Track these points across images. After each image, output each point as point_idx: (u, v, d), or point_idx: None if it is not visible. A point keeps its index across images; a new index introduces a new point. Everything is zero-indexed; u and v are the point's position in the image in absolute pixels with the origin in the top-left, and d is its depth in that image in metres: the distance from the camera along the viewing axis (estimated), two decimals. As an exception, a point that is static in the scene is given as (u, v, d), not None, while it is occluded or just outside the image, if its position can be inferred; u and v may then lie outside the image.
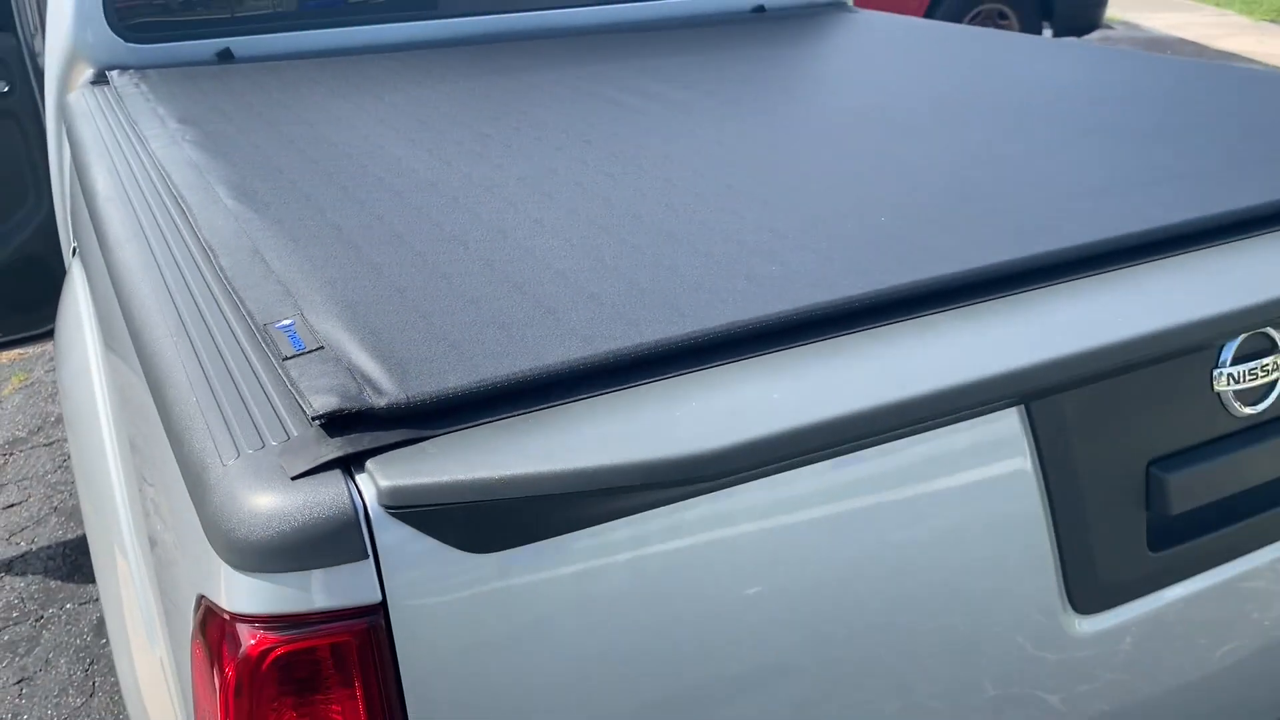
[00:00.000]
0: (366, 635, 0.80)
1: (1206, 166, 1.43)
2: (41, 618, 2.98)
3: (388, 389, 0.87)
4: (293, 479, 0.80)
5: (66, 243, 2.50)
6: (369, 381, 0.88)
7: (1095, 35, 9.56)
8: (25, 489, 3.59)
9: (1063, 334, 1.03)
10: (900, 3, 7.58)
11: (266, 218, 1.31)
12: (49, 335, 3.23)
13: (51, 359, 4.51)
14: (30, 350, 4.56)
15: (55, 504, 3.49)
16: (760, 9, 2.91)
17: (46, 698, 2.69)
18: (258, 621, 0.80)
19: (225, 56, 2.38)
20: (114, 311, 1.44)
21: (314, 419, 0.84)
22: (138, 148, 1.71)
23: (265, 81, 2.13)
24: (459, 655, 0.83)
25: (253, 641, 0.80)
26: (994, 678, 1.10)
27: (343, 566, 0.79)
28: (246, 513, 0.79)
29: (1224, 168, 1.42)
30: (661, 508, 0.88)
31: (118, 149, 1.73)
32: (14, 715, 2.64)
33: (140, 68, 2.29)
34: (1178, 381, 1.13)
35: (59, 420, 3.99)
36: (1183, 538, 1.17)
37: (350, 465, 0.83)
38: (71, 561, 3.21)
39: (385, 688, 0.82)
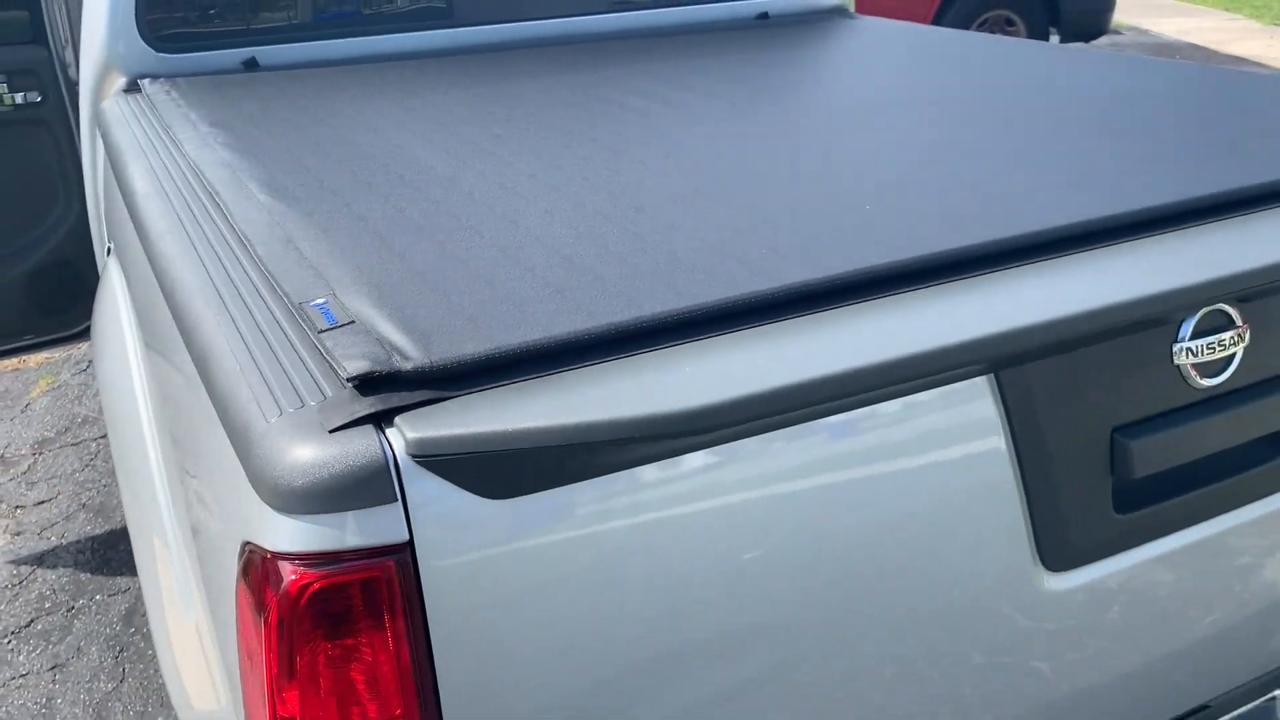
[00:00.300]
0: (395, 570, 0.90)
1: (1175, 159, 1.52)
2: (73, 608, 3.09)
3: (413, 355, 0.97)
4: (330, 432, 0.90)
5: (99, 244, 2.62)
6: (396, 349, 0.98)
7: (1103, 41, 9.64)
8: (55, 486, 3.71)
9: (1030, 307, 1.12)
10: (908, 10, 7.68)
11: (297, 211, 1.41)
12: (80, 337, 3.35)
13: (78, 362, 4.64)
14: (57, 354, 4.69)
15: (83, 501, 3.60)
16: (764, 15, 3.01)
17: (79, 683, 2.80)
18: (298, 559, 0.90)
19: (251, 65, 2.49)
20: (154, 304, 1.55)
21: (348, 380, 0.94)
22: (172, 150, 1.82)
23: (290, 88, 2.24)
24: (477, 588, 0.93)
25: (293, 577, 0.90)
26: (971, 631, 1.19)
27: (374, 509, 0.89)
28: (289, 461, 0.89)
29: (1190, 160, 1.52)
30: (655, 462, 0.98)
31: (153, 151, 1.84)
32: (48, 700, 2.75)
33: (170, 76, 2.41)
34: (1140, 355, 1.22)
35: (85, 421, 4.12)
36: (1146, 502, 1.26)
37: (380, 421, 0.93)
38: (100, 555, 3.32)
39: (412, 617, 0.92)
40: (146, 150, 1.85)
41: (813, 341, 1.04)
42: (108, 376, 1.89)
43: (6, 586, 3.19)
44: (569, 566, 0.96)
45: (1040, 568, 1.22)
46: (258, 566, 0.94)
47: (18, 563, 3.30)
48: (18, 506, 3.60)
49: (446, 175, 1.56)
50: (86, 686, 2.79)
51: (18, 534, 3.45)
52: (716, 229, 1.29)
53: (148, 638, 2.95)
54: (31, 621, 3.05)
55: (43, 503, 3.62)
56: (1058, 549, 1.22)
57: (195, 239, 1.39)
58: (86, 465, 3.82)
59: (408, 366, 0.95)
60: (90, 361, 4.62)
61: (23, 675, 2.85)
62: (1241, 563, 1.38)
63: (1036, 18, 8.04)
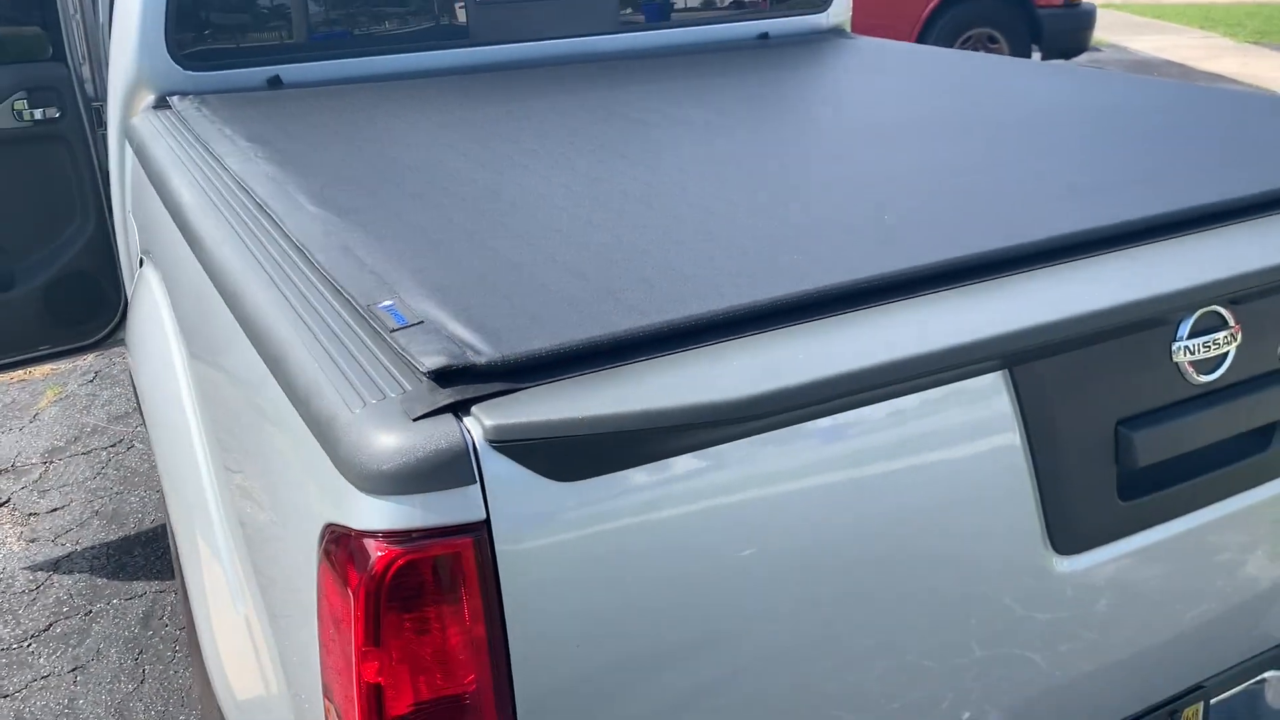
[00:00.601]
0: (473, 546, 0.99)
1: (1168, 171, 1.63)
2: (90, 612, 3.15)
3: (486, 350, 1.06)
4: (414, 420, 0.99)
5: (127, 255, 2.69)
6: (468, 345, 1.07)
7: (1083, 58, 9.82)
8: (67, 494, 3.77)
9: (1041, 308, 1.22)
10: (893, 27, 7.83)
11: (349, 221, 1.50)
12: (95, 347, 3.42)
13: (85, 373, 4.70)
14: (63, 365, 4.75)
15: (96, 508, 3.67)
16: (764, 36, 3.12)
17: (100, 684, 2.86)
18: (385, 536, 0.99)
19: (275, 83, 2.58)
20: (206, 311, 1.63)
21: (427, 374, 1.03)
22: (214, 164, 1.90)
23: (318, 105, 2.33)
24: (546, 563, 1.02)
25: (381, 553, 0.99)
26: (986, 609, 1.28)
27: (455, 490, 0.98)
28: (377, 447, 0.98)
29: (1182, 172, 1.62)
30: (705, 449, 1.07)
31: (195, 165, 1.92)
32: (70, 700, 2.81)
33: (198, 93, 2.49)
34: (1142, 353, 1.32)
35: (94, 430, 4.18)
36: (1148, 490, 1.36)
37: (458, 410, 1.01)
38: (115, 561, 3.38)
39: (487, 590, 1.00)
40: (189, 165, 1.93)
41: (848, 338, 1.13)
42: (150, 382, 1.96)
43: (24, 591, 3.25)
44: (630, 543, 1.05)
45: (1051, 551, 1.31)
46: (344, 545, 1.02)
47: (34, 568, 3.36)
48: (31, 514, 3.66)
49: (487, 187, 1.65)
50: (108, 688, 2.85)
51: (32, 540, 3.51)
52: (750, 236, 1.39)
53: (166, 640, 3.01)
54: (51, 625, 3.11)
55: (56, 510, 3.67)
56: (1066, 534, 1.32)
57: (253, 248, 1.47)
58: (98, 474, 3.88)
59: (481, 361, 1.04)
60: (97, 373, 4.69)
61: (44, 677, 2.91)
62: (1233, 548, 1.48)
63: (1019, 35, 8.21)
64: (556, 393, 1.03)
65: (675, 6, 3.01)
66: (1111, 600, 1.38)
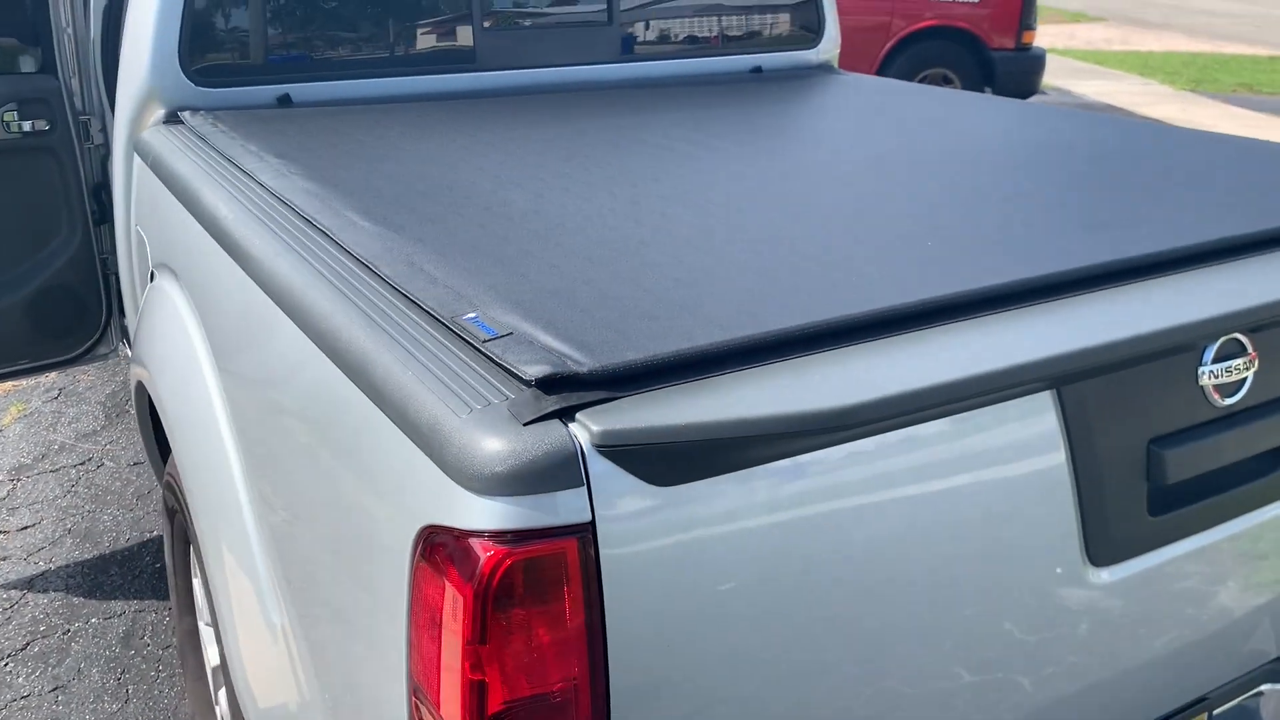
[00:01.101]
0: (579, 546, 1.03)
1: (1186, 206, 1.73)
2: (69, 631, 3.10)
3: (585, 360, 1.10)
4: (524, 425, 1.03)
5: (130, 268, 2.68)
6: (566, 356, 1.12)
7: (1033, 100, 10.13)
8: (37, 512, 3.70)
9: (1086, 332, 1.30)
10: (853, 66, 8.02)
11: (405, 237, 1.54)
12: (77, 361, 3.38)
13: (49, 389, 4.61)
14: (25, 381, 4.66)
15: (69, 526, 3.61)
16: (758, 70, 3.21)
17: (83, 704, 2.82)
18: (493, 536, 1.02)
19: (285, 101, 2.60)
20: (251, 323, 1.65)
21: (532, 381, 1.07)
22: (247, 179, 1.92)
23: (334, 124, 2.36)
24: (645, 564, 1.06)
25: (490, 553, 1.02)
26: (1028, 615, 1.35)
27: (563, 492, 1.02)
28: (490, 450, 1.02)
29: (1200, 207, 1.72)
30: (791, 458, 1.12)
31: (227, 180, 1.94)
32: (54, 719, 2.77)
33: (210, 109, 2.51)
34: (1171, 376, 1.40)
35: (62, 448, 4.11)
36: (1175, 505, 1.44)
37: (563, 417, 1.06)
38: (92, 580, 3.33)
39: (589, 590, 1.04)
40: (219, 179, 1.95)
41: (917, 357, 1.20)
42: (175, 396, 1.97)
43: None
44: (721, 546, 1.09)
45: (1088, 563, 1.38)
46: (448, 545, 1.06)
47: (7, 587, 3.29)
48: (1, 531, 3.58)
49: (529, 209, 1.69)
50: (91, 708, 2.80)
51: (4, 559, 3.44)
52: (801, 258, 1.45)
53: (150, 659, 2.97)
54: (28, 644, 3.05)
55: (26, 528, 3.61)
56: (1102, 546, 1.39)
57: (313, 262, 1.50)
58: (68, 491, 3.82)
59: (583, 370, 1.08)
60: (61, 389, 4.61)
61: (24, 697, 2.85)
62: (1241, 564, 1.57)
63: (972, 77, 8.46)
64: (653, 401, 1.08)
65: (674, 39, 3.09)
66: (1137, 611, 1.45)
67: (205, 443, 1.83)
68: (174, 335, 2.03)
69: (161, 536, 3.55)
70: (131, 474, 3.94)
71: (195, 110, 2.49)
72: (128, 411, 4.41)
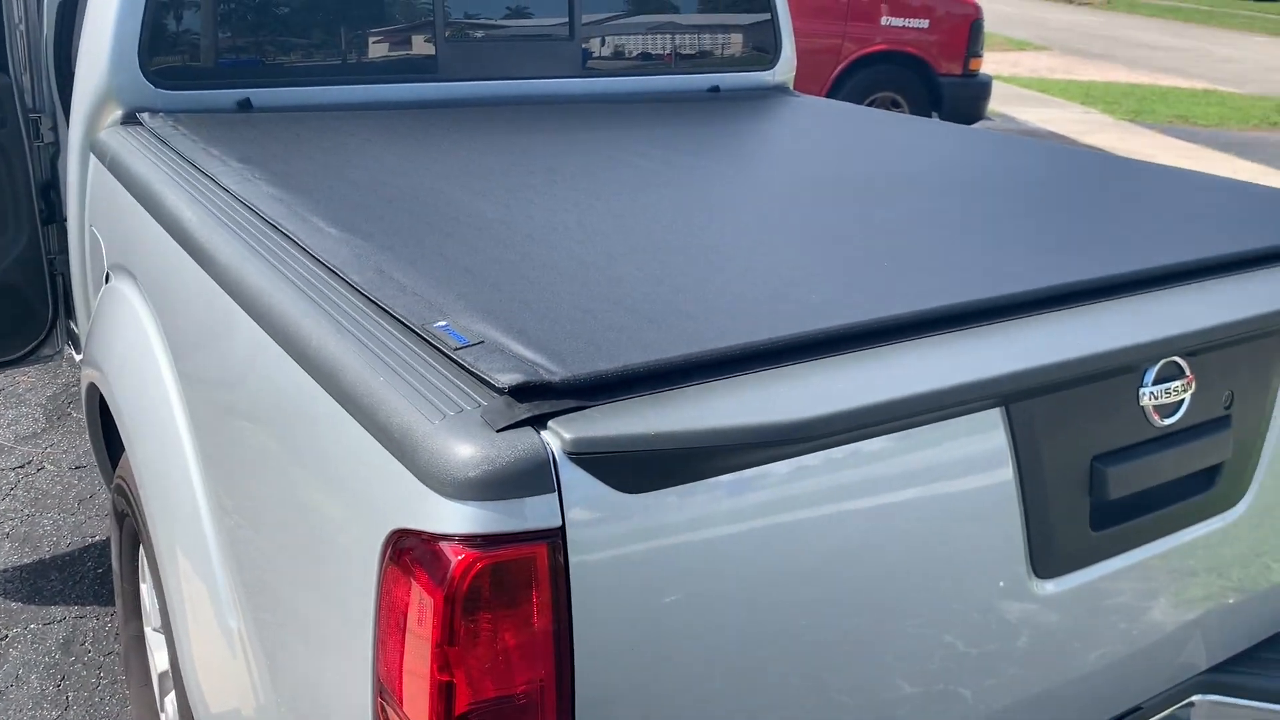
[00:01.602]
0: (549, 551, 1.06)
1: (1128, 233, 1.80)
2: (6, 637, 3.04)
3: (556, 369, 1.13)
4: (497, 431, 1.06)
5: (84, 268, 2.65)
6: (538, 365, 1.14)
7: (978, 126, 10.35)
8: (-27, 516, 3.63)
9: (1035, 353, 1.35)
10: (803, 88, 8.14)
11: (375, 244, 1.55)
12: (19, 362, 3.32)
13: (-15, 392, 4.52)
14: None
15: (7, 530, 3.54)
16: (715, 89, 3.27)
17: (21, 710, 2.77)
18: (464, 540, 1.04)
19: (245, 106, 2.60)
20: (213, 326, 1.65)
21: (505, 389, 1.10)
22: (210, 183, 1.92)
23: (297, 130, 2.36)
24: (611, 571, 1.09)
25: (461, 556, 1.04)
26: (974, 627, 1.40)
27: (535, 498, 1.05)
28: (464, 455, 1.04)
29: (1141, 234, 1.79)
30: (755, 468, 1.16)
31: (188, 183, 1.94)
32: (-10, 727, 2.71)
33: (169, 111, 2.50)
34: (1114, 396, 1.47)
35: (1, 451, 4.03)
36: (1116, 520, 1.50)
37: (535, 424, 1.08)
38: (30, 585, 3.27)
39: (557, 594, 1.07)
40: (181, 181, 1.95)
41: (878, 371, 1.24)
42: (131, 398, 1.96)
43: (-65, 614, 3.12)
44: (687, 553, 1.12)
45: (1033, 575, 1.44)
46: (418, 549, 1.07)
47: (-58, 591, 3.23)
48: (-64, 535, 3.51)
49: (498, 218, 1.72)
50: (30, 715, 2.75)
51: (-61, 563, 3.37)
52: (766, 275, 1.49)
53: (90, 666, 2.93)
54: (-36, 650, 2.99)
55: (-39, 532, 3.53)
56: (1046, 558, 1.44)
57: (280, 267, 1.51)
58: (6, 495, 3.75)
59: (555, 379, 1.11)
60: (0, 391, 4.51)
61: (-40, 703, 2.80)
62: (1181, 578, 1.63)
63: (920, 101, 8.62)
64: (623, 410, 1.11)
65: (634, 57, 3.13)
66: (1078, 623, 1.51)
67: (162, 445, 1.83)
68: (131, 337, 2.02)
69: (105, 541, 3.50)
70: (73, 478, 3.88)
71: (154, 112, 2.48)
72: (70, 414, 4.34)
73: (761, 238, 1.69)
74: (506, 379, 1.10)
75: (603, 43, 3.08)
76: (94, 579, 3.31)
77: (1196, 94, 14.10)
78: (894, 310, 1.37)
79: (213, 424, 1.67)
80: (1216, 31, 23.57)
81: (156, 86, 2.51)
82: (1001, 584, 1.41)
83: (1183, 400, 1.54)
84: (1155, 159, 9.63)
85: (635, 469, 1.09)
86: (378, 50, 2.78)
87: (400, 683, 1.10)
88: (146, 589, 2.37)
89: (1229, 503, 1.64)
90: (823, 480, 1.21)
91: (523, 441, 1.05)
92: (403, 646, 1.09)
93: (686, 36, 3.22)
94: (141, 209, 2.03)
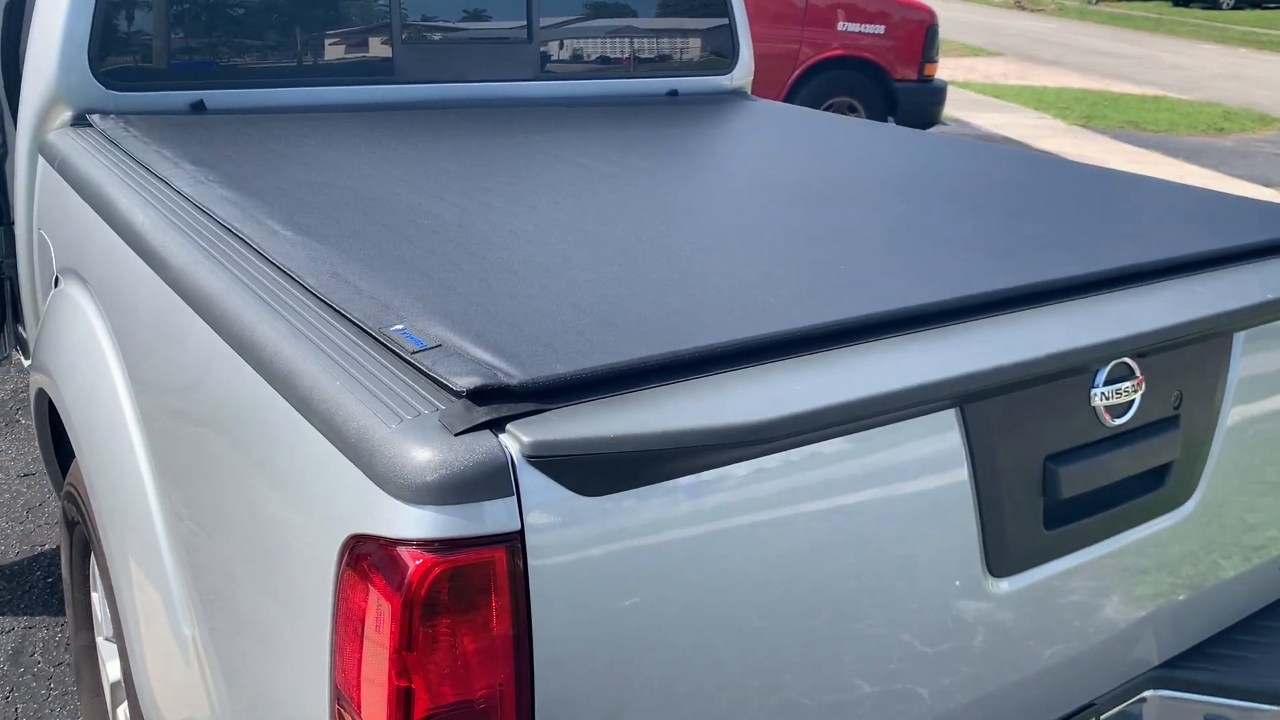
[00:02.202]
0: (507, 555, 1.05)
1: (1079, 236, 1.83)
2: (-48, 648, 2.98)
3: (515, 373, 1.13)
4: (455, 435, 1.05)
5: (32, 273, 2.61)
6: (496, 368, 1.14)
7: (933, 130, 10.46)
8: (-84, 525, 3.54)
9: (989, 354, 1.37)
10: (760, 92, 8.18)
11: (330, 248, 1.54)
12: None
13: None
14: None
15: (-48, 540, 3.47)
16: (674, 93, 3.28)
17: (-32, 723, 2.71)
18: (421, 545, 1.04)
19: (198, 107, 2.57)
20: (166, 332, 1.63)
21: (463, 393, 1.09)
22: (162, 185, 1.90)
23: (251, 132, 2.34)
24: (570, 574, 1.09)
25: (419, 561, 1.04)
26: (929, 627, 1.41)
27: (494, 501, 1.04)
28: (421, 460, 1.03)
29: (1093, 238, 1.82)
30: (713, 470, 1.16)
31: (141, 186, 1.91)
32: (-64, 741, 2.66)
33: (120, 113, 2.46)
34: (1066, 397, 1.49)
35: (-59, 458, 3.95)
36: (1068, 519, 1.52)
37: (493, 428, 1.08)
38: (-24, 595, 3.21)
39: (516, 598, 1.06)
40: (133, 184, 1.92)
41: (833, 374, 1.25)
42: (82, 404, 1.93)
43: (-122, 626, 3.05)
44: (646, 555, 1.12)
45: (988, 574, 1.45)
46: (375, 554, 1.07)
47: (-115, 602, 3.15)
48: (-120, 545, 3.42)
49: (454, 221, 1.71)
50: (-23, 727, 2.70)
51: (-117, 573, 3.29)
52: (723, 277, 1.49)
53: (40, 677, 2.87)
54: (-92, 662, 2.92)
55: (-95, 541, 3.45)
56: (1001, 558, 1.46)
57: (235, 271, 1.49)
58: (-49, 503, 3.67)
59: (514, 382, 1.11)
60: (-54, 397, 4.42)
61: (-96, 717, 2.73)
62: (1132, 575, 1.66)
63: (876, 106, 8.69)
64: (581, 414, 1.11)
65: (592, 60, 3.13)
66: (1033, 621, 1.53)
67: (114, 451, 1.80)
68: (81, 341, 1.98)
69: (55, 550, 3.44)
70: (21, 486, 3.81)
71: (105, 113, 2.45)
72: (18, 421, 4.26)
73: (719, 241, 1.69)
74: (464, 382, 1.10)
75: (561, 46, 3.08)
76: (43, 588, 3.26)
77: (1146, 100, 14.35)
78: (851, 313, 1.38)
79: (166, 430, 1.65)
80: (1165, 39, 24.02)
81: (107, 88, 2.47)
82: (957, 583, 1.42)
83: (1133, 400, 1.56)
84: (1107, 164, 9.79)
85: (594, 472, 1.09)
86: (334, 52, 2.76)
87: (358, 690, 1.10)
88: (98, 598, 2.33)
89: (1178, 501, 1.67)
90: (781, 482, 1.21)
91: (481, 445, 1.05)
92: (360, 653, 1.09)
93: (645, 40, 3.22)
94: (92, 212, 2.00)
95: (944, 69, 15.37)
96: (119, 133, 2.28)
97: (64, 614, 3.05)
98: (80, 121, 2.43)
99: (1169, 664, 1.81)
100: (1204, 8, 32.79)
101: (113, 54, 2.48)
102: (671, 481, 1.14)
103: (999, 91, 14.31)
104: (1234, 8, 32.56)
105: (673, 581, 1.15)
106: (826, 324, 1.34)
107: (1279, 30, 25.79)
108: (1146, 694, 1.86)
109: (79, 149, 2.23)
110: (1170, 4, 33.58)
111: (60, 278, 2.25)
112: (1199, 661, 1.84)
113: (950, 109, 12.25)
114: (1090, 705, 1.75)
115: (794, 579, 1.25)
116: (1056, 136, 11.31)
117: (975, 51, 19.23)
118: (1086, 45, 21.89)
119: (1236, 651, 1.87)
